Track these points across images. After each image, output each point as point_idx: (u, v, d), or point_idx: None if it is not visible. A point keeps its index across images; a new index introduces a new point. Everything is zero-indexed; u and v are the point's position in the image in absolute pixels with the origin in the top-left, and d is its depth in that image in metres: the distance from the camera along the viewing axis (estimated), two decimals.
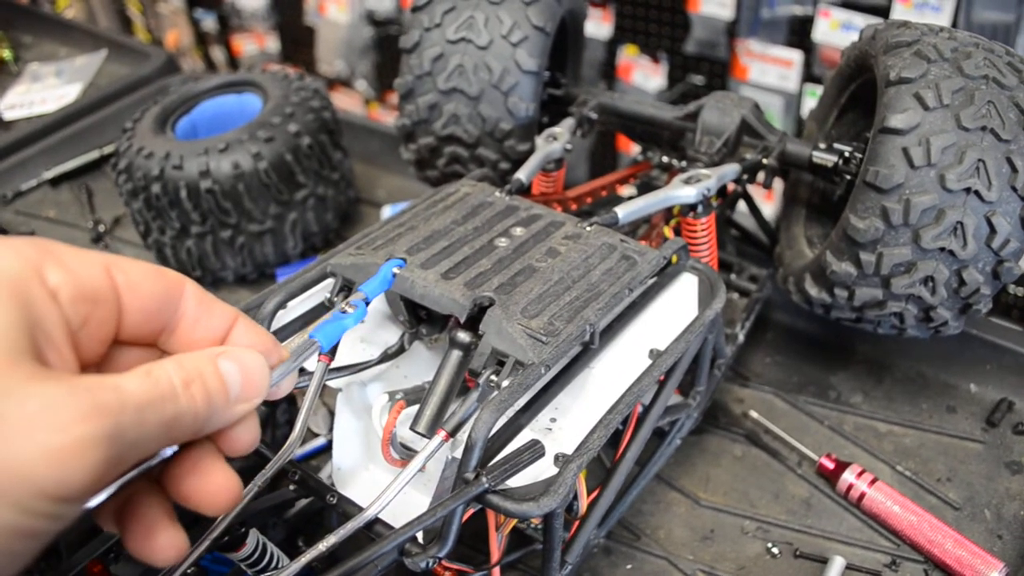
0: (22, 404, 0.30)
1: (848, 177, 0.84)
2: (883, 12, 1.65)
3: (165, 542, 0.38)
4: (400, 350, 0.69)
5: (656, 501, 0.83)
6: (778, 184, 0.96)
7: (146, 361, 0.38)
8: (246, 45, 2.98)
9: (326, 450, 0.84)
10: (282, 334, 0.66)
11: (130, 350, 0.41)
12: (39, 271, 0.35)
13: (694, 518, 0.81)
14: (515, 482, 0.53)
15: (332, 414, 0.87)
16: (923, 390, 0.93)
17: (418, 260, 0.64)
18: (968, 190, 0.69)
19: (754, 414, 0.90)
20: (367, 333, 0.71)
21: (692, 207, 0.81)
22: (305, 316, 0.68)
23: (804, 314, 1.00)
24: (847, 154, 0.84)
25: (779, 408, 0.92)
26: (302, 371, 0.60)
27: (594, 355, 0.65)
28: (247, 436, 0.41)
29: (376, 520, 0.52)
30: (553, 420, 0.62)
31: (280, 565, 0.60)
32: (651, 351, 0.67)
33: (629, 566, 0.77)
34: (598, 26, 2.07)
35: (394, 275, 0.63)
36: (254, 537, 0.58)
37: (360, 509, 0.52)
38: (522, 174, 0.80)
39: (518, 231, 0.69)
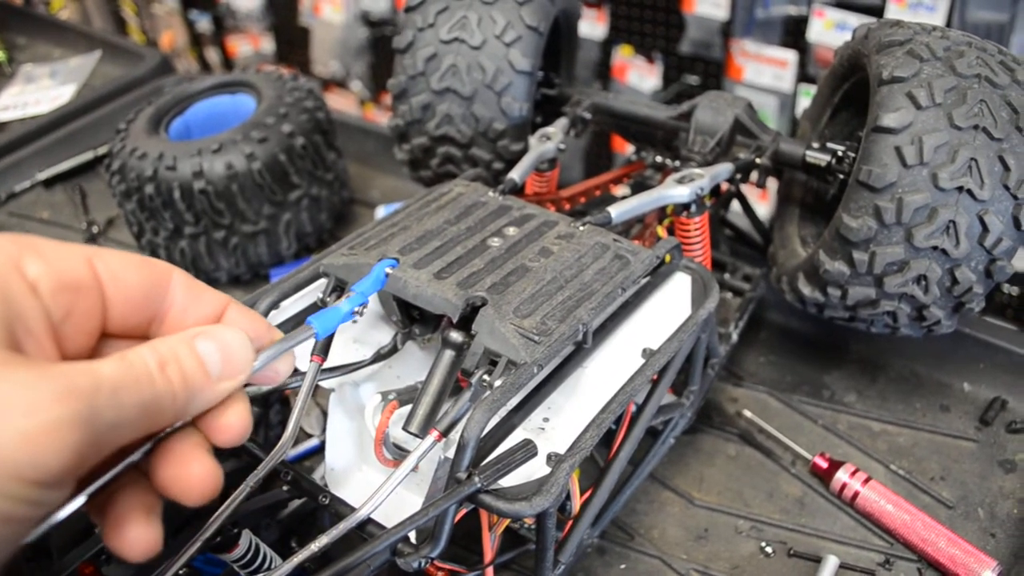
0: None
1: (841, 176, 0.84)
2: (877, 12, 1.66)
3: (136, 536, 0.38)
4: (393, 350, 0.69)
5: (650, 501, 0.83)
6: (772, 184, 0.96)
7: None
8: (241, 46, 2.98)
9: (319, 451, 0.84)
10: None
11: (120, 343, 0.41)
12: (17, 264, 0.35)
13: (688, 518, 0.81)
14: (508, 482, 0.53)
15: (325, 415, 0.86)
16: (917, 389, 0.94)
17: (411, 260, 0.64)
18: (961, 189, 0.69)
19: (748, 413, 0.90)
20: (360, 333, 0.71)
21: (685, 206, 0.81)
22: (298, 316, 0.68)
23: (798, 313, 1.00)
24: (840, 153, 0.84)
25: (773, 407, 0.93)
26: (295, 372, 0.60)
27: (587, 354, 0.65)
28: (236, 422, 0.41)
29: (368, 520, 0.52)
30: (546, 420, 0.62)
31: (273, 566, 0.60)
32: (644, 350, 0.67)
33: (623, 566, 0.77)
34: (593, 26, 2.08)
35: (387, 275, 0.63)
36: (247, 538, 0.58)
37: (353, 509, 0.52)
38: (515, 174, 0.80)
39: (511, 231, 0.69)
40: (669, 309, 0.71)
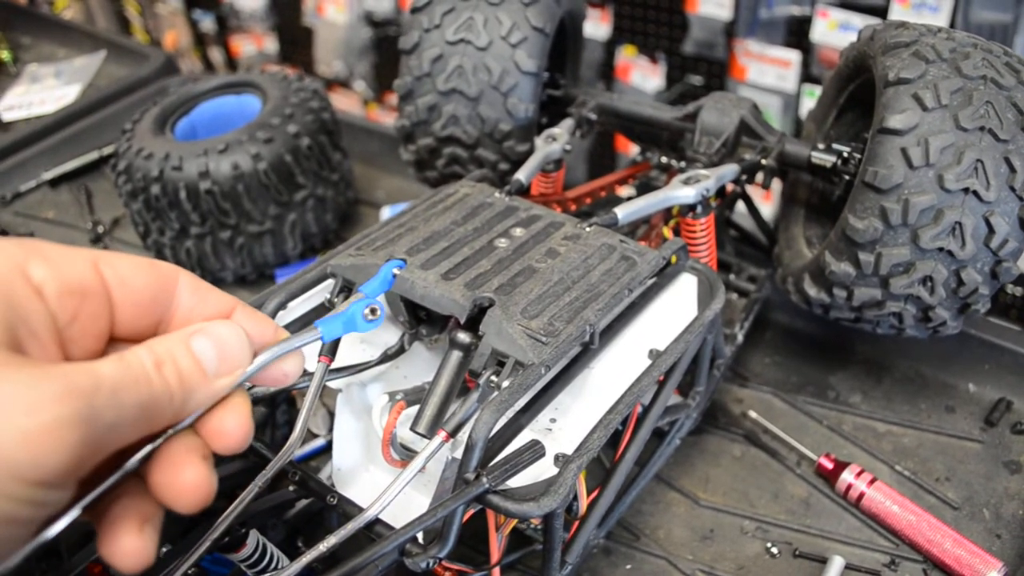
0: None
1: (847, 177, 0.84)
2: (881, 12, 1.66)
3: (127, 547, 0.37)
4: (400, 351, 0.69)
5: (656, 501, 0.83)
6: (777, 185, 0.96)
7: None
8: (244, 46, 2.98)
9: (326, 451, 0.84)
10: None
11: (129, 347, 0.41)
12: (22, 268, 0.35)
13: (693, 518, 0.81)
14: (515, 482, 0.53)
15: (332, 415, 0.87)
16: (922, 390, 0.94)
17: (418, 261, 0.64)
18: (966, 190, 0.69)
19: (753, 414, 0.91)
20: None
21: (691, 207, 0.81)
22: (305, 317, 0.68)
23: (803, 314, 1.00)
24: (846, 154, 0.84)
25: (778, 408, 0.93)
26: (303, 373, 0.60)
27: (594, 355, 0.65)
28: (236, 427, 0.40)
29: (376, 520, 0.53)
30: (553, 420, 0.62)
31: (280, 566, 0.60)
32: (650, 351, 0.67)
33: (629, 566, 0.77)
34: (596, 26, 2.08)
35: (394, 276, 0.63)
36: (254, 538, 0.58)
37: (360, 510, 0.52)
38: (521, 175, 0.80)
39: (518, 232, 0.69)
40: (675, 310, 0.71)
